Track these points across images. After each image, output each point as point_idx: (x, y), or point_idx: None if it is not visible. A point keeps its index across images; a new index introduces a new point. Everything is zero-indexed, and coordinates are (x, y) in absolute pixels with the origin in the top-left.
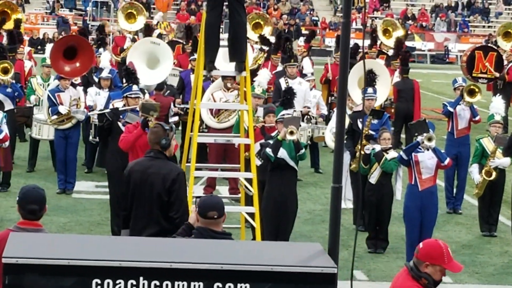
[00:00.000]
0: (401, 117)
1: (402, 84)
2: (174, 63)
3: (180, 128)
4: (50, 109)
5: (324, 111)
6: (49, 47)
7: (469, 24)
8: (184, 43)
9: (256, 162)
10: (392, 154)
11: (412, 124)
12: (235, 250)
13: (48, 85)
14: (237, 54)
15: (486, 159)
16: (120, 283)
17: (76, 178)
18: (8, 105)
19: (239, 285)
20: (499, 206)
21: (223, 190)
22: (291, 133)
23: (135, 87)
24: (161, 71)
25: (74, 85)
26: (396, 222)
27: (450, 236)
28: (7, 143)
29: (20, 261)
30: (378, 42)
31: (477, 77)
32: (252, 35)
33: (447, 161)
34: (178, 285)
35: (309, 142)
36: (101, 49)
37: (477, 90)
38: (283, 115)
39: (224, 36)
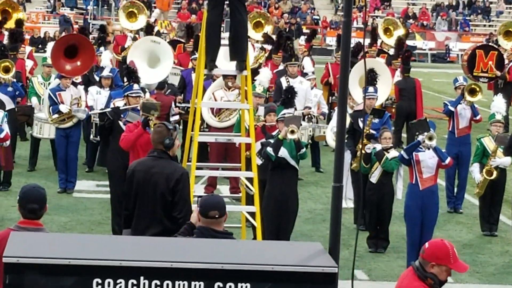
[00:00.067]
0: (403, 116)
1: (404, 83)
2: (174, 62)
3: (181, 127)
4: (51, 108)
5: (325, 109)
6: (50, 46)
7: (470, 23)
8: (185, 42)
9: (257, 161)
10: (393, 153)
11: (413, 123)
12: (235, 249)
13: (49, 84)
14: (238, 53)
15: (487, 159)
16: (120, 282)
17: (77, 177)
18: (9, 104)
19: (239, 284)
20: (500, 206)
21: (224, 189)
22: (292, 132)
23: (136, 86)
24: (161, 70)
25: (75, 84)
26: (397, 221)
27: (450, 236)
28: (8, 142)
29: (21, 261)
30: (379, 41)
31: (478, 76)
32: (253, 34)
33: (448, 160)
34: (179, 284)
35: (310, 141)
36: (102, 48)
37: (478, 89)
38: (284, 114)
39: (225, 35)
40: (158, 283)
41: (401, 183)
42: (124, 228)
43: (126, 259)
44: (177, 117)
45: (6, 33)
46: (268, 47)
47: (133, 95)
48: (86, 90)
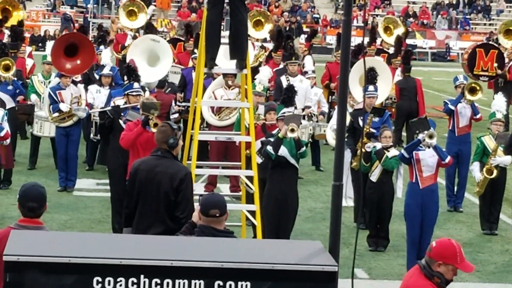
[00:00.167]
0: (403, 115)
1: (405, 83)
2: (174, 60)
3: (181, 125)
4: (51, 106)
5: (325, 108)
6: (49, 44)
7: (470, 21)
8: (184, 41)
9: (257, 160)
10: (393, 152)
11: (413, 122)
12: (235, 248)
13: (49, 82)
14: (238, 51)
15: (487, 157)
16: (121, 281)
17: (77, 175)
18: (9, 103)
19: (239, 283)
20: (500, 204)
21: (224, 188)
22: (292, 130)
23: (136, 85)
24: (161, 68)
25: (75, 83)
26: (397, 220)
27: (451, 234)
28: (8, 141)
29: (21, 259)
30: (379, 40)
31: (478, 75)
32: (253, 32)
33: (448, 159)
34: (179, 283)
35: (310, 140)
36: (102, 47)
37: (478, 88)
38: (284, 113)
39: (225, 33)
40: (158, 281)
41: (401, 182)
42: (125, 227)
43: (127, 258)
44: (177, 115)
45: (6, 31)
46: (271, 45)
47: (133, 93)
48: (86, 89)
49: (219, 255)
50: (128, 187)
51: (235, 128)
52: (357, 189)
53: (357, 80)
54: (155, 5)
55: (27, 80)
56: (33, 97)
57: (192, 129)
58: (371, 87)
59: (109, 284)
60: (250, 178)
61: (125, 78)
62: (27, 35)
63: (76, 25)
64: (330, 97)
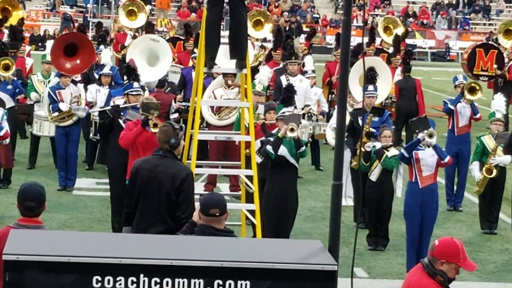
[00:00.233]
0: (403, 115)
1: (404, 83)
2: (174, 60)
3: (183, 125)
4: (50, 106)
5: (325, 108)
6: (49, 44)
7: (470, 21)
8: (184, 40)
9: (256, 159)
10: (392, 151)
11: (413, 121)
12: (235, 247)
13: (49, 82)
14: (238, 51)
15: (486, 157)
16: (120, 280)
17: (77, 175)
18: (9, 102)
19: (239, 282)
20: (500, 204)
21: (223, 187)
22: (292, 130)
23: (136, 84)
24: (160, 68)
25: (74, 82)
26: (397, 219)
27: (450, 234)
28: (7, 140)
29: (20, 258)
30: (379, 40)
31: (478, 75)
32: (253, 32)
33: (447, 159)
34: (179, 282)
35: (310, 139)
36: (101, 46)
37: (477, 87)
38: (284, 112)
39: (225, 33)
40: (158, 280)
41: (401, 181)
42: (125, 226)
43: (126, 257)
44: (176, 115)
45: (6, 31)
46: (271, 45)
47: (133, 93)
48: (85, 88)
49: (218, 254)
50: (129, 187)
51: (234, 127)
52: (357, 189)
53: (357, 79)
54: (154, 5)
55: (27, 81)
56: (33, 94)
57: (192, 128)
58: (370, 87)
59: (108, 283)
60: (250, 178)
61: (125, 77)
62: (26, 34)
63: (76, 24)
64: (330, 96)
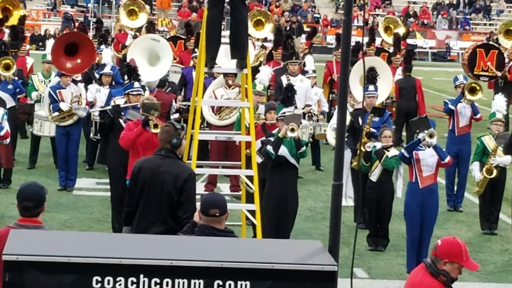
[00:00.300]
0: (402, 114)
1: (404, 82)
2: (176, 59)
3: (184, 125)
4: (51, 106)
5: (325, 108)
6: (49, 43)
7: (471, 21)
8: (185, 39)
9: (257, 159)
10: (393, 151)
11: (413, 121)
12: (235, 247)
13: (49, 81)
14: (239, 51)
15: (487, 157)
16: (120, 280)
17: (77, 175)
18: (10, 102)
19: (239, 282)
20: (500, 204)
21: (224, 188)
22: (292, 130)
23: (136, 84)
24: (161, 67)
25: (75, 82)
26: (397, 219)
27: (450, 234)
28: (8, 140)
29: (20, 258)
30: (380, 40)
31: (478, 75)
32: (253, 32)
33: (448, 159)
34: (178, 282)
35: (310, 139)
36: (102, 46)
37: (478, 88)
38: (284, 112)
39: (225, 33)
40: (158, 281)
41: (401, 182)
42: (125, 225)
43: (126, 257)
44: (177, 115)
45: (7, 30)
46: (271, 45)
47: (134, 93)
48: (86, 88)
49: (218, 254)
50: (130, 186)
51: (235, 127)
52: (357, 189)
53: (357, 79)
54: (154, 5)
55: (28, 80)
56: (34, 93)
57: (192, 128)
58: (371, 87)
59: (108, 284)
60: (250, 178)
61: (126, 77)
62: (27, 34)
63: (76, 24)
64: (330, 95)
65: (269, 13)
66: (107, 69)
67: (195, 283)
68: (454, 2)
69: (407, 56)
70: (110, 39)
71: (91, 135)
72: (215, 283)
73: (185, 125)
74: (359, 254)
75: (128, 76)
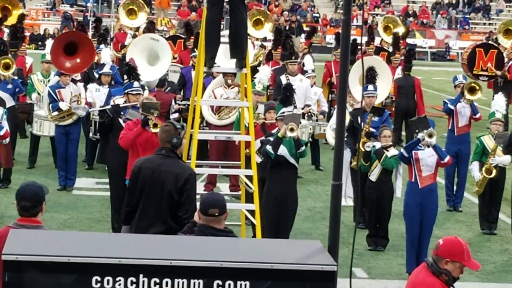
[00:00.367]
0: (401, 113)
1: (403, 81)
2: (175, 58)
3: (184, 125)
4: (50, 105)
5: (325, 108)
6: (49, 43)
7: (470, 21)
8: (185, 39)
9: (256, 159)
10: (392, 151)
11: (413, 121)
12: (235, 247)
13: (49, 81)
14: (238, 50)
15: (486, 157)
16: (120, 280)
17: (77, 174)
18: (9, 102)
19: (238, 282)
20: (499, 204)
21: (223, 187)
22: (292, 130)
23: (136, 84)
24: (160, 67)
25: (74, 81)
26: (396, 219)
27: (450, 234)
28: (7, 140)
29: (20, 258)
30: (379, 39)
31: (477, 75)
32: (253, 31)
33: (447, 158)
34: (178, 282)
35: (310, 139)
36: (102, 45)
37: (477, 87)
38: (283, 112)
39: (224, 32)
40: (157, 281)
41: (401, 181)
42: (124, 225)
43: (126, 257)
44: (176, 115)
45: (6, 30)
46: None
47: (133, 92)
48: (85, 87)
49: (218, 254)
50: (130, 185)
51: (234, 127)
52: (356, 189)
53: (357, 79)
54: (153, 4)
55: (27, 80)
56: (34, 95)
57: (192, 128)
58: (370, 87)
59: (108, 284)
60: (250, 178)
61: (125, 77)
62: (26, 33)
63: (75, 23)
64: (330, 95)
65: (268, 12)
66: (106, 69)
67: (194, 283)
68: (454, 2)
69: (408, 56)
70: (109, 38)
71: (91, 134)
72: (215, 283)
73: (184, 124)
74: (358, 254)
75: (127, 76)
